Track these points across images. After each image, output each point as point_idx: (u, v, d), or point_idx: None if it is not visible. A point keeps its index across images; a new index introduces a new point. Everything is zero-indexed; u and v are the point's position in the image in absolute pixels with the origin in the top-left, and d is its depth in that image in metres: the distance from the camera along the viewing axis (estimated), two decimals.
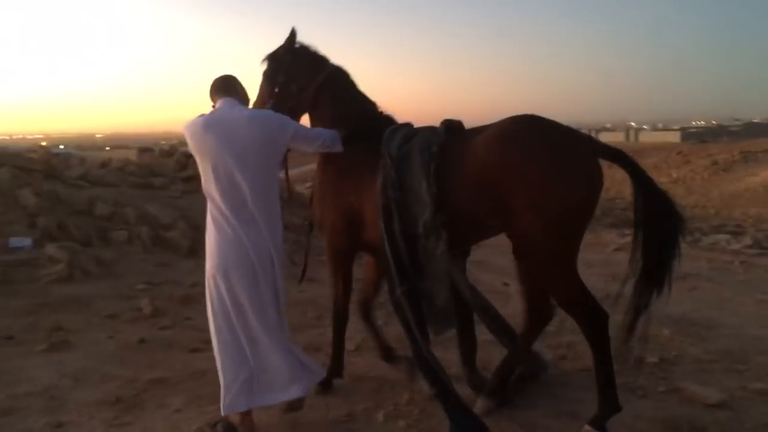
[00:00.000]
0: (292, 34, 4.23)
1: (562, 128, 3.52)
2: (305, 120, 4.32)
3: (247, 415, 3.56)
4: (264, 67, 4.28)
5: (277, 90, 4.18)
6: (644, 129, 75.58)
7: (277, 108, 4.00)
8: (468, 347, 4.24)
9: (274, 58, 4.25)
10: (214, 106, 3.69)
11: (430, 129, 3.92)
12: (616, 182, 21.66)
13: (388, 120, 4.26)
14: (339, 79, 4.29)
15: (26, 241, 7.43)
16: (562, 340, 4.92)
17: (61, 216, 7.91)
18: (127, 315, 5.89)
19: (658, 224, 3.43)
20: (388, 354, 4.48)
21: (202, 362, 4.61)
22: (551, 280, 3.49)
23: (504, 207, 3.40)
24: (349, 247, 4.14)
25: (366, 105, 4.31)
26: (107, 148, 47.42)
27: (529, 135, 3.44)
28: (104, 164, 10.55)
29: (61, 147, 40.74)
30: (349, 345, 4.57)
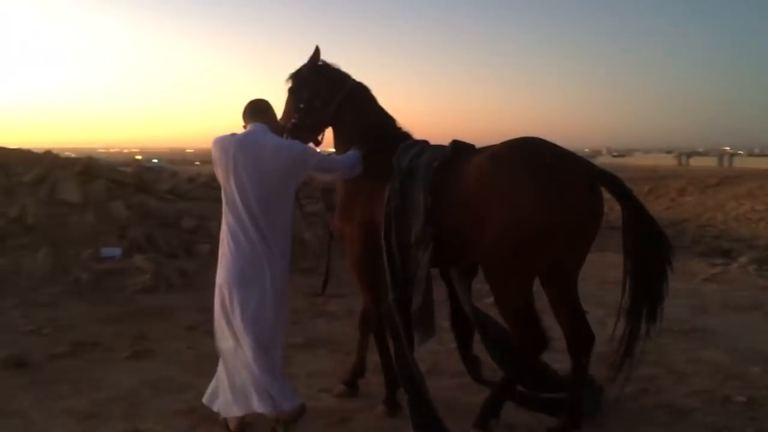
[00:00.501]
0: (316, 53, 4.40)
1: (555, 154, 3.58)
2: (328, 132, 4.53)
3: (241, 419, 3.81)
4: (289, 84, 4.45)
5: (302, 106, 4.35)
6: (739, 154, 72.22)
7: (301, 122, 4.30)
8: (470, 362, 4.52)
9: (298, 76, 4.43)
10: (245, 127, 3.92)
11: (439, 147, 4.10)
12: (708, 209, 20.87)
13: (405, 135, 4.43)
14: (360, 95, 4.46)
15: (116, 251, 7.77)
16: (643, 373, 4.71)
17: (149, 228, 8.24)
18: (205, 327, 6.00)
19: (646, 253, 3.49)
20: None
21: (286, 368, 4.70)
22: (504, 296, 3.63)
23: (481, 224, 3.52)
24: (370, 258, 4.17)
25: (385, 120, 4.49)
26: (197, 163, 49.07)
27: (516, 158, 3.54)
28: (192, 179, 10.95)
29: (155, 161, 42.54)
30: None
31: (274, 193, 3.74)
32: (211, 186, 10.54)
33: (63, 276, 7.07)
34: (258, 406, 3.68)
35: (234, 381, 3.78)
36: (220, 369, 3.90)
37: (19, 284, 6.87)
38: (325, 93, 4.39)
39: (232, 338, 3.77)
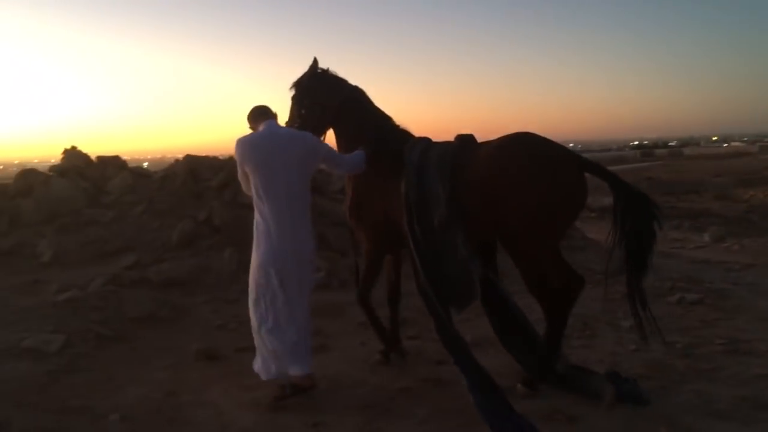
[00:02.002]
0: (314, 63, 4.90)
1: (551, 146, 4.21)
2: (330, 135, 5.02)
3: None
4: (291, 92, 4.93)
5: (303, 112, 4.84)
6: None
7: (304, 127, 4.73)
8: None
9: (299, 85, 4.91)
10: (253, 128, 4.49)
11: (446, 142, 4.55)
12: None
13: (404, 132, 4.90)
14: (356, 98, 4.94)
15: None
16: None
17: (322, 227, 8.53)
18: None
19: (637, 218, 4.09)
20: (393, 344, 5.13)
21: (448, 374, 4.63)
22: (539, 265, 4.29)
23: (495, 207, 4.10)
24: (380, 249, 4.86)
25: (382, 119, 4.94)
26: None
27: (517, 150, 4.17)
28: None
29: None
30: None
31: (296, 177, 4.30)
32: None
33: (247, 274, 7.51)
34: (294, 369, 4.25)
35: (276, 347, 4.27)
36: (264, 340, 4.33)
37: (208, 282, 7.40)
38: (324, 99, 4.86)
39: (271, 313, 4.27)
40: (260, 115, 4.51)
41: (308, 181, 4.47)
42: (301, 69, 5.01)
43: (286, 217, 4.27)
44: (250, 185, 4.36)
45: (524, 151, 4.17)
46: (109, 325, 5.91)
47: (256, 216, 4.35)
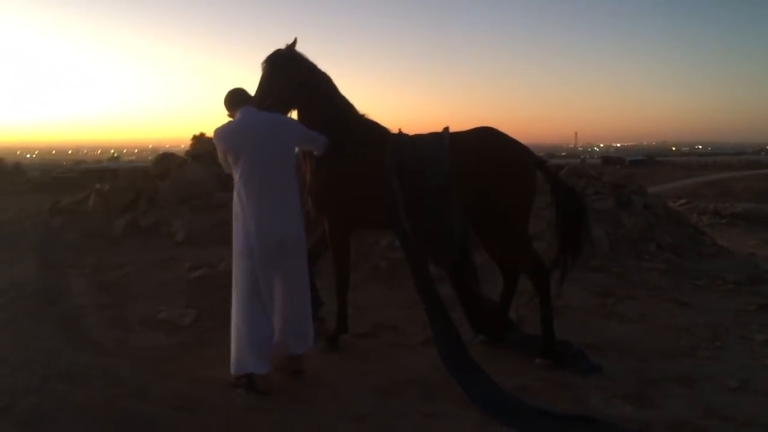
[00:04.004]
0: (294, 42, 5.00)
1: (515, 143, 4.87)
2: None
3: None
4: (265, 67, 4.96)
5: (276, 89, 4.89)
6: None
7: (275, 103, 4.85)
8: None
9: (274, 62, 4.97)
10: (231, 114, 4.49)
11: (434, 136, 4.93)
12: None
13: (369, 121, 5.17)
14: (328, 83, 5.12)
15: None
16: None
17: None
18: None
19: (570, 211, 4.91)
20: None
21: (562, 376, 4.62)
22: (508, 245, 4.95)
23: (472, 189, 4.67)
24: (346, 227, 5.15)
25: (347, 106, 5.16)
26: None
27: (492, 142, 4.83)
28: None
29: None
30: None
31: (283, 161, 4.40)
32: None
33: (364, 262, 7.68)
34: (295, 346, 4.49)
35: (256, 338, 4.25)
36: (241, 332, 4.28)
37: (327, 269, 7.60)
38: (299, 79, 4.96)
39: (258, 292, 4.25)
40: (239, 100, 4.49)
41: (293, 164, 4.54)
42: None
43: (276, 203, 4.31)
44: (230, 168, 4.40)
45: (496, 142, 4.83)
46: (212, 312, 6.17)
47: (241, 203, 4.30)
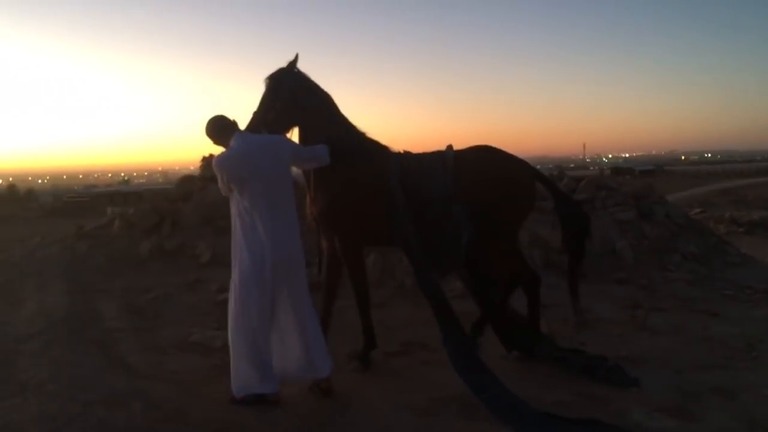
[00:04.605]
0: (296, 59, 5.03)
1: (514, 158, 5.09)
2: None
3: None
4: (268, 83, 4.99)
5: (278, 106, 4.92)
6: None
7: (276, 120, 4.88)
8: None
9: (278, 78, 5.00)
10: (219, 143, 4.47)
11: (437, 156, 5.02)
12: None
13: (372, 140, 5.20)
14: (327, 103, 5.15)
15: None
16: None
17: None
18: None
19: (574, 223, 5.12)
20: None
21: (602, 390, 4.59)
22: (504, 248, 5.09)
23: (472, 206, 4.79)
24: (357, 244, 5.18)
25: (348, 125, 5.17)
26: None
27: (491, 160, 5.00)
28: None
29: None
30: None
31: (283, 182, 4.42)
32: None
33: (390, 280, 7.68)
34: (322, 368, 4.47)
35: (267, 356, 4.36)
36: (247, 354, 4.32)
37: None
38: (301, 97, 5.00)
39: (267, 314, 4.32)
40: (225, 129, 4.47)
41: (289, 183, 4.53)
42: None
43: (283, 225, 4.33)
44: (231, 193, 4.39)
45: (494, 160, 5.01)
46: None
47: (244, 228, 4.32)
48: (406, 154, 5.16)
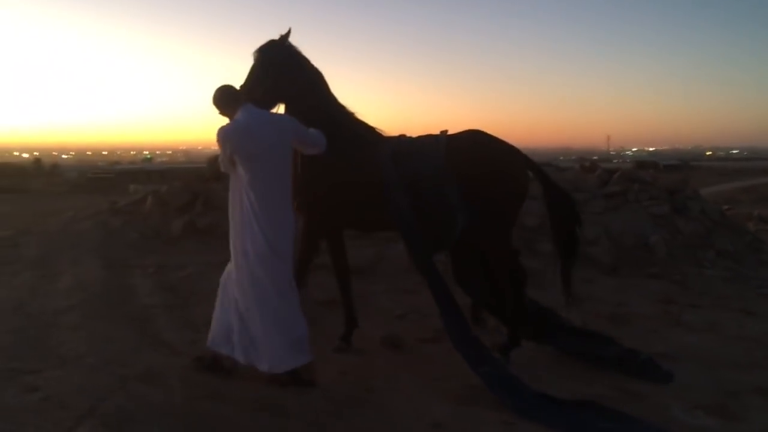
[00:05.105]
0: (288, 33, 4.89)
1: (507, 144, 4.94)
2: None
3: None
4: (257, 57, 4.85)
5: (268, 80, 4.76)
6: None
7: (266, 95, 4.74)
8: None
9: (268, 52, 4.86)
10: (225, 113, 4.35)
11: (434, 136, 4.96)
12: None
13: (359, 119, 5.09)
14: (317, 79, 5.02)
15: None
16: None
17: None
18: None
19: (562, 212, 5.07)
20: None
21: (638, 385, 4.56)
22: (498, 242, 4.91)
23: (464, 191, 4.68)
24: (326, 225, 5.10)
25: (337, 104, 5.07)
26: None
27: (483, 144, 4.89)
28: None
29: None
30: None
31: (285, 161, 4.35)
32: None
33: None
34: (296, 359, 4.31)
35: (300, 330, 4.35)
36: (279, 330, 4.28)
37: (386, 271, 7.62)
38: (291, 73, 4.86)
39: (285, 287, 4.30)
40: (233, 99, 4.37)
41: (289, 163, 4.44)
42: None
43: (276, 202, 4.27)
44: (231, 168, 4.30)
45: (486, 144, 4.90)
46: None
47: (252, 206, 4.23)
48: (400, 137, 5.06)
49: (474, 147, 4.85)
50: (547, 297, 6.91)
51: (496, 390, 4.22)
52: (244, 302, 4.36)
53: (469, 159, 4.76)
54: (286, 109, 4.93)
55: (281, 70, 4.85)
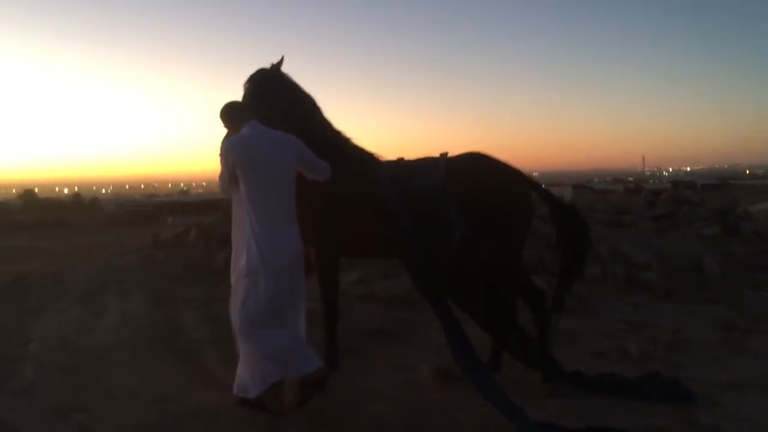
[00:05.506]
0: (281, 61, 4.93)
1: (511, 168, 4.81)
2: None
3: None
4: (249, 87, 4.88)
5: (259, 107, 4.66)
6: None
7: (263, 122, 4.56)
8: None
9: (260, 80, 4.89)
10: (231, 128, 4.36)
11: (433, 158, 4.88)
12: None
13: (354, 145, 5.07)
14: (311, 106, 5.04)
15: None
16: None
17: (539, 249, 8.37)
18: (613, 355, 5.80)
19: (571, 232, 4.88)
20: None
21: (704, 416, 4.34)
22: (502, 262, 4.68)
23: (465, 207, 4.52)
24: (334, 254, 5.00)
25: (332, 130, 5.05)
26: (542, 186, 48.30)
27: (484, 167, 4.77)
28: (576, 202, 10.96)
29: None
30: None
31: (288, 180, 4.30)
32: (594, 209, 10.39)
33: None
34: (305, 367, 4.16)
35: (269, 353, 4.15)
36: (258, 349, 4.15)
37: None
38: (283, 99, 4.88)
39: (273, 315, 4.14)
40: (241, 115, 4.37)
41: (294, 183, 4.36)
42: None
43: (278, 220, 4.18)
44: (232, 187, 4.25)
45: (488, 168, 4.77)
46: (343, 338, 6.11)
47: (240, 218, 4.22)
48: (398, 161, 4.98)
49: (474, 167, 4.75)
50: (595, 323, 6.80)
51: (506, 415, 4.12)
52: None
53: (469, 179, 4.65)
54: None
55: (271, 99, 4.85)
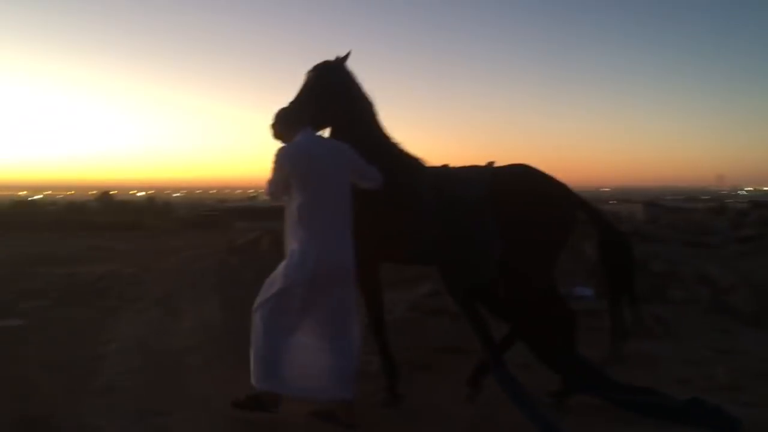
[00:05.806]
0: (347, 56, 4.65)
1: (558, 182, 4.70)
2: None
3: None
4: (312, 76, 4.59)
5: (318, 103, 4.49)
6: None
7: (316, 117, 4.47)
8: None
9: (323, 74, 4.61)
10: (283, 134, 4.33)
11: (478, 167, 4.78)
12: None
13: (404, 151, 4.82)
14: (370, 108, 4.76)
15: (588, 292, 7.78)
16: None
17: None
18: (700, 383, 5.51)
19: (616, 255, 4.69)
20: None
21: None
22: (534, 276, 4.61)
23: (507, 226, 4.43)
24: (376, 260, 4.76)
25: (380, 132, 4.77)
26: (611, 202, 46.91)
27: (531, 178, 4.66)
28: (654, 220, 10.55)
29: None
30: None
31: (343, 189, 4.23)
32: (675, 228, 9.98)
33: None
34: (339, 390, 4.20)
35: (262, 354, 4.31)
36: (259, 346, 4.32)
37: None
38: (344, 99, 4.62)
39: (304, 329, 4.24)
40: (295, 122, 4.33)
41: (349, 195, 4.29)
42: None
43: (332, 231, 4.15)
44: (284, 194, 4.22)
45: (529, 181, 4.65)
46: (416, 352, 6.02)
47: (302, 229, 4.15)
48: (443, 167, 4.86)
49: (520, 178, 4.66)
50: (680, 348, 6.49)
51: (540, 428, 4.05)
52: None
53: (514, 190, 4.55)
54: (332, 136, 4.70)
55: (333, 93, 4.62)
